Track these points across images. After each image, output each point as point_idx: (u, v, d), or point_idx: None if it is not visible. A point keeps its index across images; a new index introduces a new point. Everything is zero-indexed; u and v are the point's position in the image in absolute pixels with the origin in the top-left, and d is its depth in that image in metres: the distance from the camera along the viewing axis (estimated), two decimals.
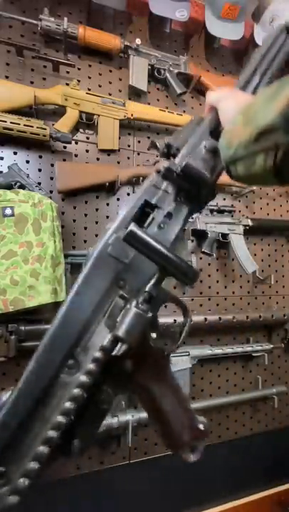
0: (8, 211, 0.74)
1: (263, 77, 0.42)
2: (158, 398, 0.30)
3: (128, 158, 1.06)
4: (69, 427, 0.25)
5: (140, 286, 0.30)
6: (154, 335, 0.32)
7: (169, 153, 0.38)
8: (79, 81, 0.96)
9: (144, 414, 0.93)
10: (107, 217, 1.01)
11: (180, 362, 1.00)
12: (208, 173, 0.35)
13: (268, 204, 1.30)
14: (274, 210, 1.31)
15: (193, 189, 0.35)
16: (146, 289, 0.30)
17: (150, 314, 0.28)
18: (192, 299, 1.12)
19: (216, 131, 0.38)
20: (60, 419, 0.24)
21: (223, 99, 0.37)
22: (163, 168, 0.35)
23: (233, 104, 0.34)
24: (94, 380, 0.26)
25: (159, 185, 0.35)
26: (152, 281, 0.31)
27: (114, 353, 0.26)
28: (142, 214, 0.34)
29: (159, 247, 0.30)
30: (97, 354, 0.26)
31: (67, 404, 0.25)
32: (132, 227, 0.30)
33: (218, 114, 0.37)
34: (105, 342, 0.26)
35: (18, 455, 0.23)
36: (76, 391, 0.25)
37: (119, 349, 0.26)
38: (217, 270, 1.17)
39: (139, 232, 0.30)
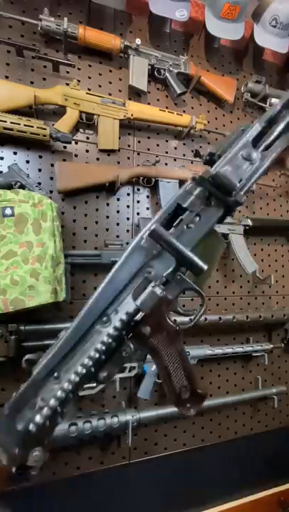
0: (8, 211, 0.74)
1: None
2: (165, 361, 0.40)
3: (128, 158, 1.06)
4: (101, 364, 0.37)
5: (162, 272, 0.39)
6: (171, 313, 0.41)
7: (212, 161, 0.41)
8: (79, 81, 0.96)
9: (144, 414, 0.94)
10: (107, 217, 1.01)
11: None
12: (236, 180, 0.38)
13: (267, 204, 1.30)
14: (274, 210, 1.31)
15: (221, 195, 0.39)
16: (164, 274, 0.39)
17: (164, 294, 0.38)
18: (192, 299, 1.12)
19: (258, 141, 0.41)
20: (93, 353, 0.36)
21: None
22: (197, 176, 0.39)
23: None
24: (119, 334, 0.37)
25: (192, 191, 0.40)
26: (170, 269, 0.39)
27: (136, 318, 0.38)
28: (175, 216, 0.40)
29: (174, 242, 0.38)
30: (123, 316, 0.37)
31: (99, 346, 0.36)
32: (154, 225, 0.38)
33: None
34: (130, 309, 0.38)
35: (66, 369, 0.35)
36: (105, 338, 0.36)
37: (139, 316, 0.38)
38: (217, 270, 1.17)
39: (160, 230, 0.38)
